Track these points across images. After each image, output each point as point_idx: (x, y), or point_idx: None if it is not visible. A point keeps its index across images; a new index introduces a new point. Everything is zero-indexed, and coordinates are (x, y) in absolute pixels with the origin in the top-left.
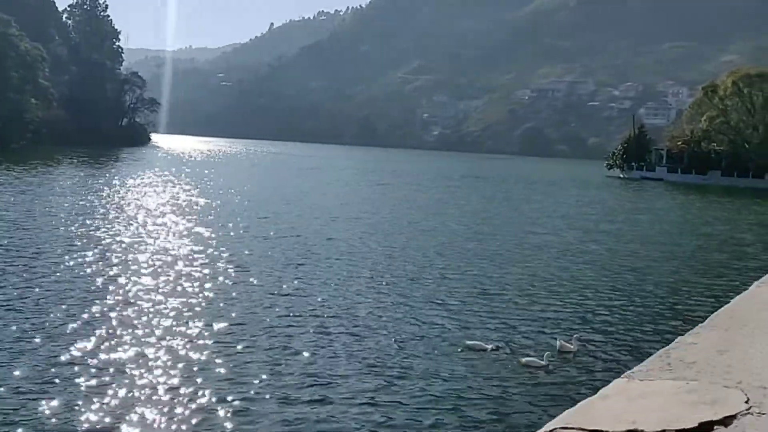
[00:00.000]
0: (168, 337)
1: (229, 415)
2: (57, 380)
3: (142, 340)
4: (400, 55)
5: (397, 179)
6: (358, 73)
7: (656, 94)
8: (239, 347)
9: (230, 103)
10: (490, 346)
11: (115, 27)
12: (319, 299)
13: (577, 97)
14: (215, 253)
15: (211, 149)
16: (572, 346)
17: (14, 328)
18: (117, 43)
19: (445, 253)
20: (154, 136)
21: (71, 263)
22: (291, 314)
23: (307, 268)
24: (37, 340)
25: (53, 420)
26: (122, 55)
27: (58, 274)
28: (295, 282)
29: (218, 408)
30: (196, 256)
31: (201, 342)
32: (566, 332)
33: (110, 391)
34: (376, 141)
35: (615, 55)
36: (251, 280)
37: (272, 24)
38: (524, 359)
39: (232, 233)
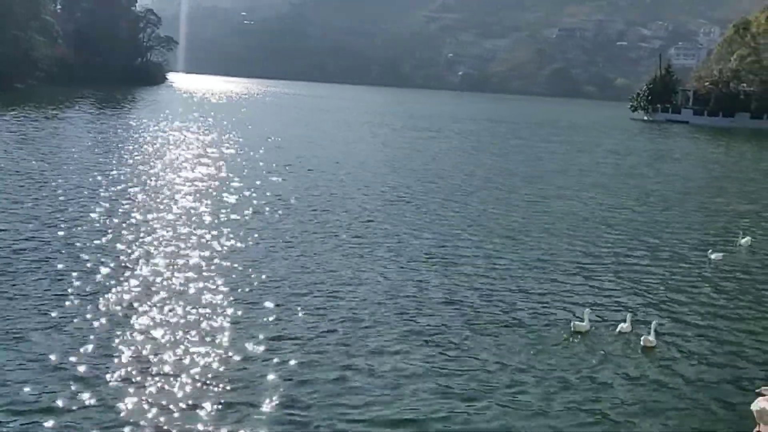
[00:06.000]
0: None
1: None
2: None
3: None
4: None
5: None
6: (381, 12)
7: (687, 33)
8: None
9: (253, 43)
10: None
11: None
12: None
13: (606, 36)
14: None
15: (225, 90)
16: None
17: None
18: None
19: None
20: (170, 76)
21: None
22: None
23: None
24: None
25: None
26: None
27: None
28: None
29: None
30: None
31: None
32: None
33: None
34: (401, 82)
35: None
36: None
37: None
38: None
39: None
